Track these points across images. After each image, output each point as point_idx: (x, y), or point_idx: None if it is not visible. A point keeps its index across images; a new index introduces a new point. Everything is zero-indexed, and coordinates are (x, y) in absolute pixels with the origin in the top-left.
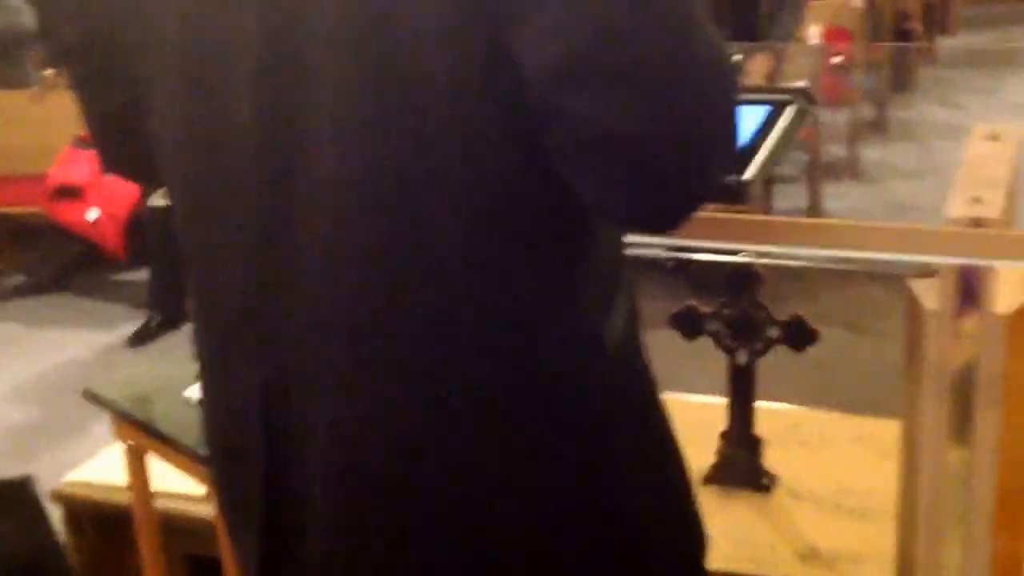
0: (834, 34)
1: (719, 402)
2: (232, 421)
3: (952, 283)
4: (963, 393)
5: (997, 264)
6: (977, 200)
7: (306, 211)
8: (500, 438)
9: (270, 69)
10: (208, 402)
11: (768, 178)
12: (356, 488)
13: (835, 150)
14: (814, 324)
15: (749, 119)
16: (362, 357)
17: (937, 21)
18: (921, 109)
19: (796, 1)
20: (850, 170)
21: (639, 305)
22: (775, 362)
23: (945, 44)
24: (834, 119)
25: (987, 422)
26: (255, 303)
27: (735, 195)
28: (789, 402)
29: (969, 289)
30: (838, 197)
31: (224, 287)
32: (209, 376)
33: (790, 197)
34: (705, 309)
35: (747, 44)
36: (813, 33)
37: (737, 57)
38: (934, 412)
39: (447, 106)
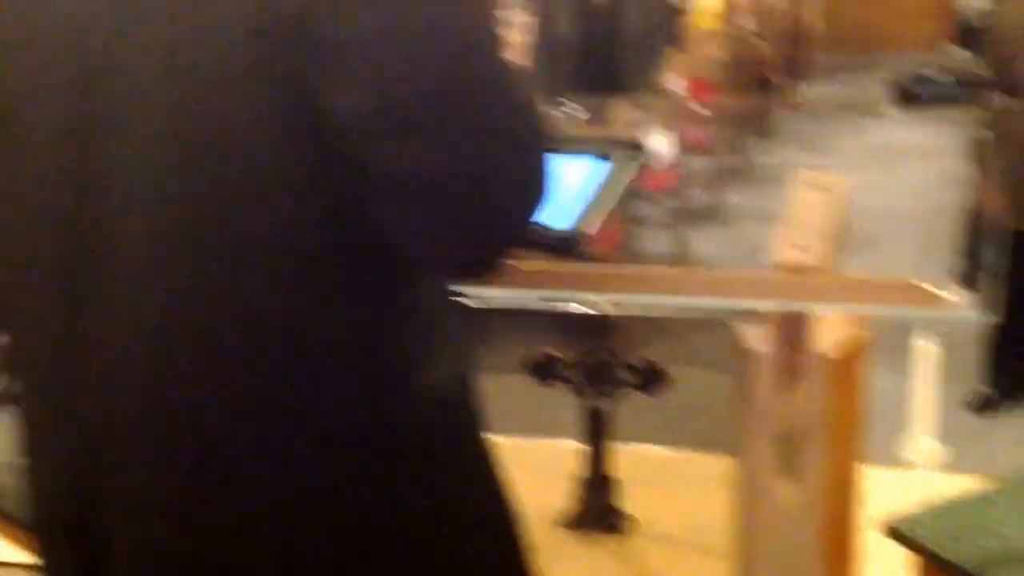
0: (697, 85)
1: (579, 446)
2: (47, 491)
3: (777, 327)
4: (791, 431)
5: (819, 308)
6: (800, 247)
7: (108, 279)
8: (314, 495)
9: (75, 122)
10: (28, 470)
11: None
12: (168, 568)
13: (700, 195)
14: (680, 365)
15: (579, 171)
16: (164, 433)
17: (795, 70)
18: (782, 155)
19: (658, 54)
20: (715, 215)
21: (489, 347)
22: (641, 403)
23: (804, 91)
24: (699, 166)
25: (812, 459)
26: (61, 370)
27: (565, 247)
28: (654, 443)
29: (795, 333)
30: (703, 241)
31: (29, 350)
32: (29, 444)
33: (658, 242)
34: (560, 355)
35: (609, 94)
36: (677, 84)
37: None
38: (762, 451)
39: (255, 159)
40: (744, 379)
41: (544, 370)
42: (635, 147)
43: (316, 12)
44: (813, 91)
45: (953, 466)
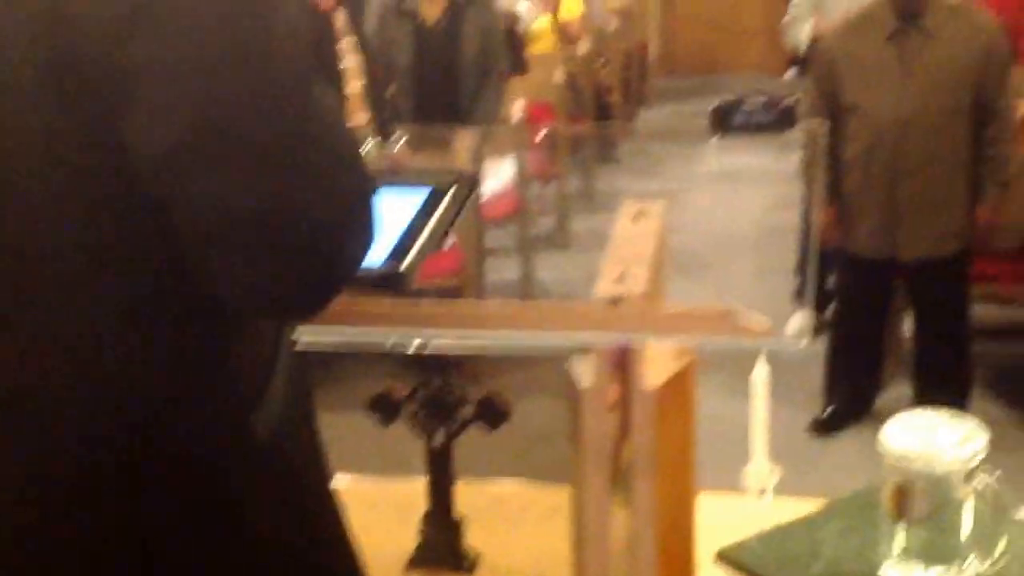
0: (538, 109)
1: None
2: None
3: (602, 360)
4: (622, 464)
5: (642, 340)
6: (623, 277)
7: None
8: (135, 530)
9: None
10: None
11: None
12: None
13: (545, 222)
14: (522, 395)
15: (409, 204)
16: None
17: (635, 94)
18: (624, 179)
19: (498, 79)
20: (560, 241)
21: (329, 386)
22: (484, 437)
23: (643, 116)
24: (543, 192)
25: (643, 492)
26: None
27: (390, 284)
28: (497, 476)
29: (620, 365)
30: (549, 268)
31: None
32: None
33: (503, 270)
34: (401, 392)
35: (449, 121)
36: (517, 109)
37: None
38: (594, 484)
39: (52, 197)
40: (574, 413)
41: (383, 407)
42: (467, 178)
43: (116, 41)
44: (653, 115)
45: (794, 489)
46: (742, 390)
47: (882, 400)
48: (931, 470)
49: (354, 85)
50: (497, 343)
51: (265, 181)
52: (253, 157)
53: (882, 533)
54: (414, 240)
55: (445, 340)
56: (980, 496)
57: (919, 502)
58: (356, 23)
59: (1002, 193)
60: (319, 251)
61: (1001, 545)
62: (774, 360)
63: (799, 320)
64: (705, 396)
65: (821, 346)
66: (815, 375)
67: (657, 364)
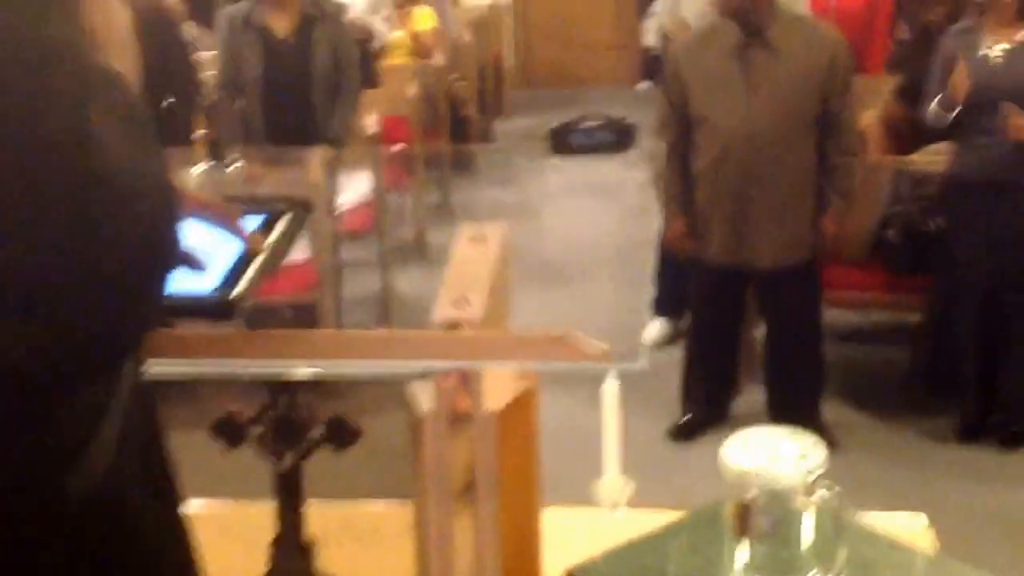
0: (392, 123)
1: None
2: None
3: (443, 386)
4: (464, 487)
5: (481, 365)
6: (462, 301)
7: None
8: None
9: None
10: None
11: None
12: None
13: (403, 234)
14: (382, 411)
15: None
16: None
17: (491, 106)
18: (482, 191)
19: (351, 93)
20: (418, 253)
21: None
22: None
23: (500, 127)
24: (400, 204)
25: (486, 513)
26: None
27: (221, 312)
28: (348, 497)
29: (459, 389)
30: (407, 280)
31: None
32: None
33: (362, 283)
34: (246, 414)
35: (301, 135)
36: (371, 123)
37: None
38: (435, 510)
39: None
40: (414, 437)
41: (227, 430)
42: (301, 205)
43: None
44: (510, 127)
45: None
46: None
47: (738, 406)
48: (771, 486)
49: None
50: (333, 372)
51: (43, 235)
52: (24, 214)
53: (726, 549)
54: (246, 268)
55: (276, 370)
56: (820, 509)
57: (761, 518)
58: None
59: (847, 203)
60: (113, 291)
61: (842, 556)
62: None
63: (655, 329)
64: (564, 406)
65: (680, 354)
66: (675, 382)
67: (499, 385)
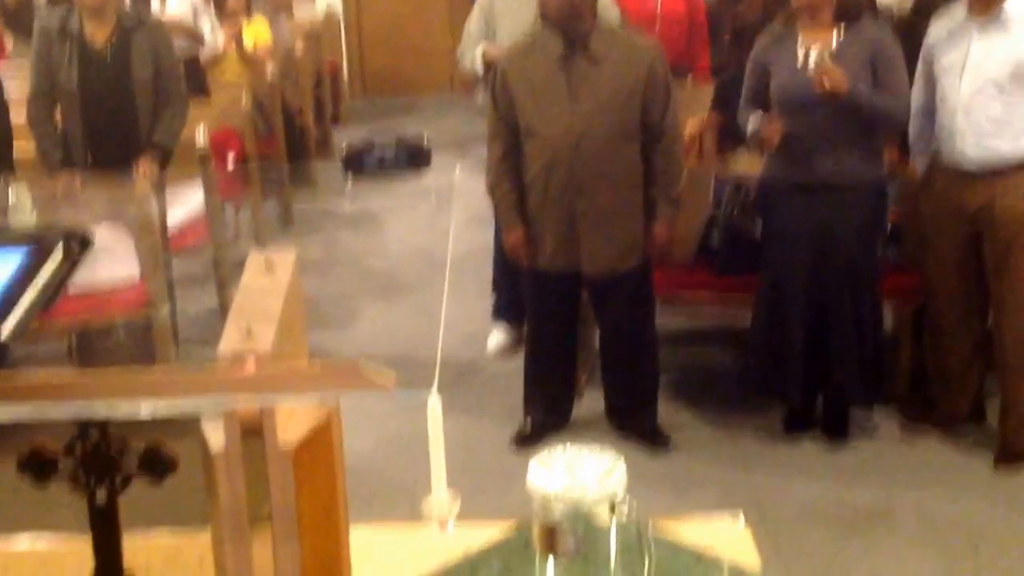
0: (224, 134)
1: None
2: None
3: (233, 422)
4: (263, 525)
5: (269, 399)
6: (249, 334)
7: None
8: None
9: None
10: None
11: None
12: None
13: (243, 247)
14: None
15: (5, 266)
16: None
17: (328, 115)
18: (323, 201)
19: (176, 104)
20: None
21: None
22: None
23: (338, 137)
24: (238, 217)
25: (285, 552)
26: None
27: None
28: (166, 527)
29: (251, 424)
30: None
31: None
32: None
33: (199, 299)
34: (56, 448)
35: (123, 150)
36: (201, 135)
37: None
38: (232, 549)
39: None
40: (207, 475)
41: (36, 465)
42: (76, 234)
43: None
44: (349, 136)
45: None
46: (458, 407)
47: (579, 410)
48: (576, 506)
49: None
50: (121, 413)
51: None
52: None
53: (536, 570)
54: (12, 305)
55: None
56: (624, 525)
57: (566, 538)
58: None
59: (675, 208)
60: None
61: (647, 568)
62: (479, 375)
63: (497, 336)
64: (403, 417)
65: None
66: (519, 389)
67: (296, 416)
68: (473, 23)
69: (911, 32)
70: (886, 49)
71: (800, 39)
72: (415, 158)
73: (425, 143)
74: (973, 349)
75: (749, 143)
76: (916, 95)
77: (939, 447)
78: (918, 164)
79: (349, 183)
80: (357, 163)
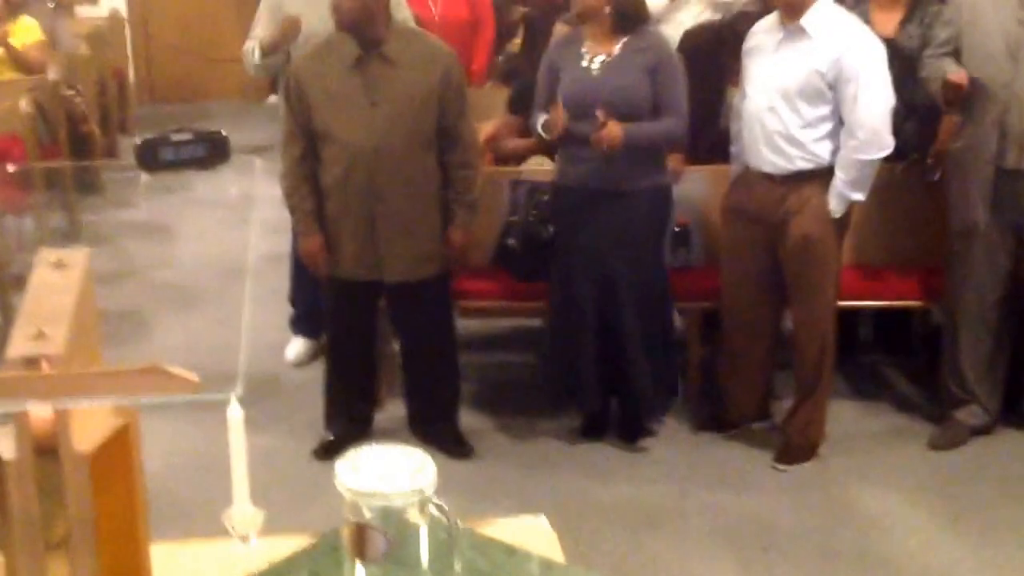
0: (4, 141)
1: None
2: None
3: (25, 429)
4: (59, 539)
5: (64, 403)
6: (40, 336)
7: None
8: None
9: None
10: None
11: None
12: None
13: (24, 260)
14: None
15: None
16: None
17: (115, 122)
18: (110, 211)
19: None
20: None
21: None
22: None
23: (126, 144)
24: (20, 228)
25: (83, 563)
26: None
27: None
28: None
29: (43, 432)
30: None
31: None
32: None
33: None
34: None
35: None
36: None
37: None
38: (23, 562)
39: None
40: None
41: None
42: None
43: None
44: (134, 142)
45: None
46: (257, 419)
47: (380, 420)
48: (384, 505)
49: None
50: None
51: None
52: None
53: (347, 573)
54: None
55: None
56: (434, 524)
57: (377, 539)
58: None
59: (471, 214)
60: None
61: (458, 567)
62: (279, 386)
63: (296, 347)
64: (194, 435)
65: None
66: (319, 400)
67: (92, 423)
68: (259, 24)
69: (712, 37)
70: (666, 61)
71: (586, 45)
72: (214, 150)
73: (224, 134)
74: (766, 352)
75: (541, 132)
76: (737, 98)
77: (727, 447)
78: (733, 165)
79: (142, 179)
80: (151, 158)
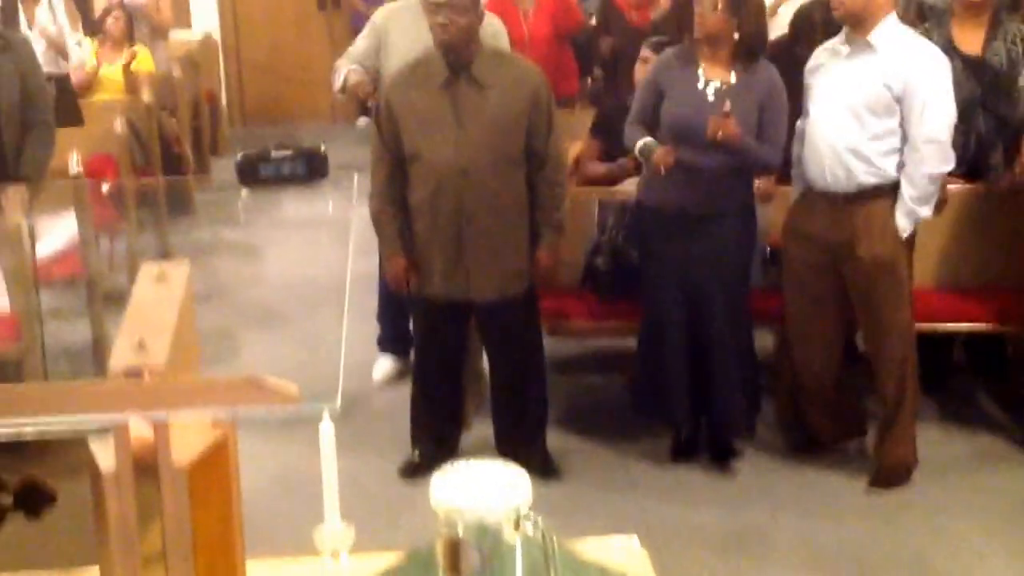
0: (99, 162)
1: None
2: None
3: (124, 439)
4: (157, 550)
5: (165, 415)
6: (142, 346)
7: None
8: None
9: None
10: None
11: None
12: None
13: (117, 278)
14: (67, 478)
15: None
16: None
17: (206, 143)
18: (202, 231)
19: (44, 129)
20: None
21: None
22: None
23: (218, 165)
24: (113, 248)
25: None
26: None
27: None
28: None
29: (144, 443)
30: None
31: None
32: None
33: (73, 332)
34: None
35: None
36: (73, 162)
37: None
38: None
39: None
40: (98, 498)
41: None
42: None
43: None
44: (228, 165)
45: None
46: (344, 438)
47: (467, 441)
48: (479, 521)
49: None
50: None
51: None
52: None
53: None
54: None
55: None
56: (529, 540)
57: (471, 554)
58: None
59: (559, 234)
60: None
61: None
62: (365, 406)
63: (383, 367)
64: (285, 451)
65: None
66: (406, 420)
67: (190, 435)
68: (359, 44)
69: (785, 57)
70: (776, 96)
71: (702, 69)
72: (313, 166)
73: (323, 150)
74: (837, 374)
75: (638, 156)
76: (799, 121)
77: (819, 470)
78: (794, 187)
79: (242, 194)
80: (251, 174)
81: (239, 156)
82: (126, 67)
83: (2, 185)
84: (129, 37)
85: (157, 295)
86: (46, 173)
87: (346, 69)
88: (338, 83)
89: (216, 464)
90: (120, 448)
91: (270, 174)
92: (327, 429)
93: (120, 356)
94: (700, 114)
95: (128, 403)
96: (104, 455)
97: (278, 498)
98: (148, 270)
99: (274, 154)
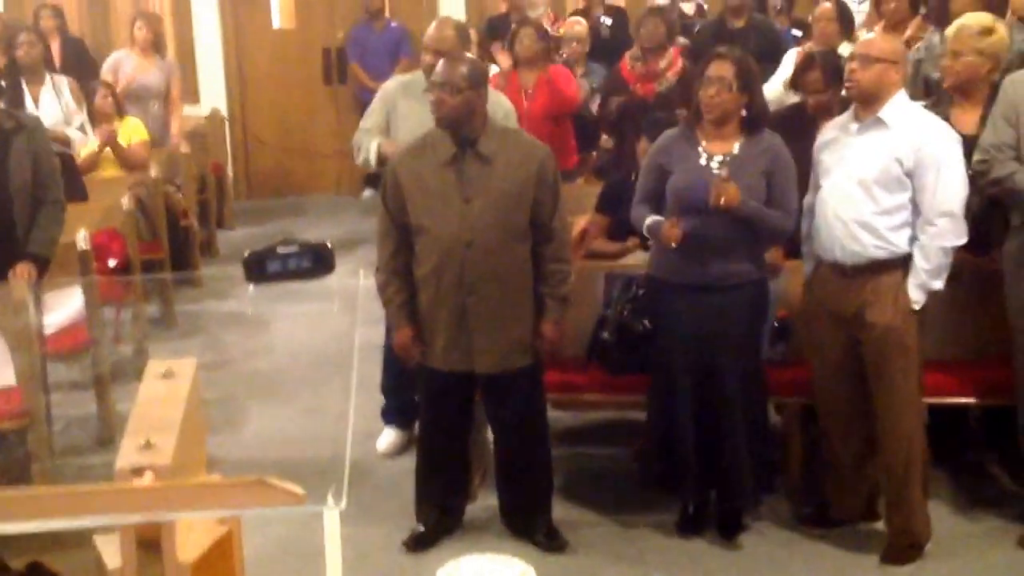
0: (105, 236)
1: None
2: None
3: (130, 539)
4: None
5: (170, 516)
6: (148, 446)
7: None
8: None
9: None
10: None
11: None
12: None
13: (123, 350)
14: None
15: None
16: None
17: (213, 216)
18: (207, 302)
19: (54, 207)
20: (139, 369)
21: None
22: None
23: (223, 238)
24: (119, 318)
25: None
26: None
27: None
28: None
29: (149, 542)
30: (129, 399)
31: None
32: None
33: (81, 404)
34: None
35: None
36: (81, 239)
37: None
38: None
39: None
40: None
41: None
42: None
43: None
44: (235, 237)
45: None
46: (348, 508)
47: (472, 512)
48: None
49: None
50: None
51: None
52: None
53: None
54: None
55: None
56: None
57: None
58: None
59: (564, 307)
60: None
61: None
62: (370, 476)
63: (388, 438)
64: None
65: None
66: (410, 491)
67: (195, 531)
68: (371, 116)
69: (790, 127)
70: (782, 163)
71: (703, 143)
72: (318, 261)
73: (329, 245)
74: (862, 448)
75: (647, 234)
76: (807, 197)
77: (828, 545)
78: (805, 263)
79: (251, 290)
80: (258, 270)
81: (246, 253)
82: (112, 143)
83: (11, 263)
84: (118, 112)
85: (164, 392)
86: (55, 250)
87: (376, 142)
88: (363, 156)
89: (221, 556)
90: (125, 548)
91: (276, 269)
92: (332, 517)
93: (127, 455)
94: (705, 184)
95: (135, 505)
96: (110, 553)
97: (283, 564)
98: (155, 367)
99: (280, 250)
